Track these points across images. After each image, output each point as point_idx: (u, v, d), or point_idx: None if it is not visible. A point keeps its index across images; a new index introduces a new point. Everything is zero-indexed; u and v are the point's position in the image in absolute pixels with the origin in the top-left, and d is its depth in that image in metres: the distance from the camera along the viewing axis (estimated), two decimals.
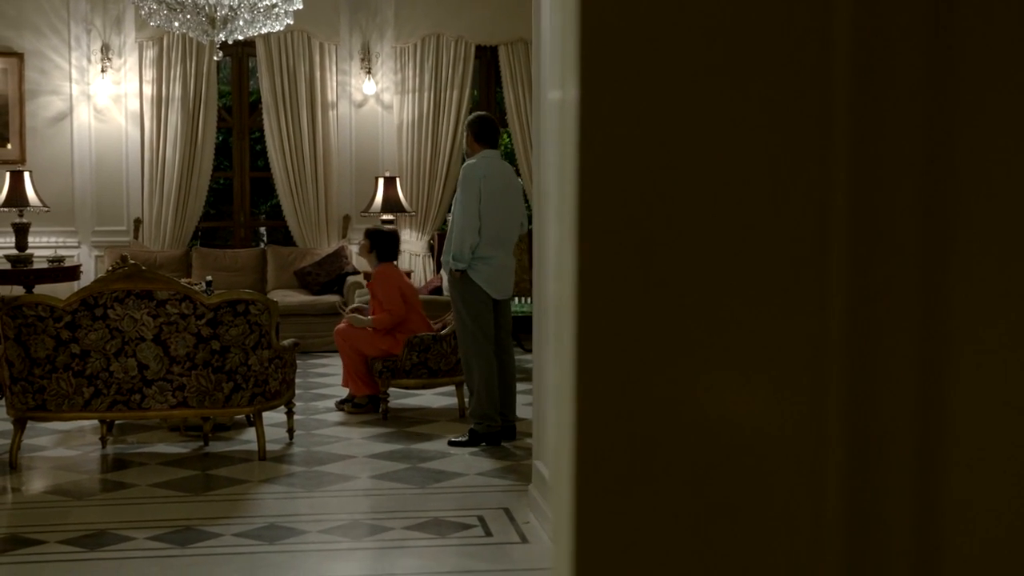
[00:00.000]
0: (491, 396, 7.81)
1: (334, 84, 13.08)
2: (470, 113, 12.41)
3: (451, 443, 7.91)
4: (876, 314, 0.59)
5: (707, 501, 0.61)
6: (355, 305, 9.34)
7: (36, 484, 7.08)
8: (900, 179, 0.59)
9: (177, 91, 12.63)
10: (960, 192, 0.59)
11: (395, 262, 9.26)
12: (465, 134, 8.01)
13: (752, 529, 0.61)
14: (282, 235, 13.73)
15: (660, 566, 0.61)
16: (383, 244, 9.15)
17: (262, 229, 16.34)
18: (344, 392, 9.33)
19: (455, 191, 8.01)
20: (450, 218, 8.20)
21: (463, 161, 8.08)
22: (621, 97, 0.58)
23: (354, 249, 12.87)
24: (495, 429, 7.84)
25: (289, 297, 11.93)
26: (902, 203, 0.59)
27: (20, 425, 7.26)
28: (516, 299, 10.80)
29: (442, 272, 10.52)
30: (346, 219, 13.21)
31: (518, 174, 11.13)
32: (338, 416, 8.90)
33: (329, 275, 12.49)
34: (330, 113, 13.06)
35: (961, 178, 0.59)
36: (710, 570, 0.61)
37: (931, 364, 0.60)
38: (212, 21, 9.27)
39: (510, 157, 13.39)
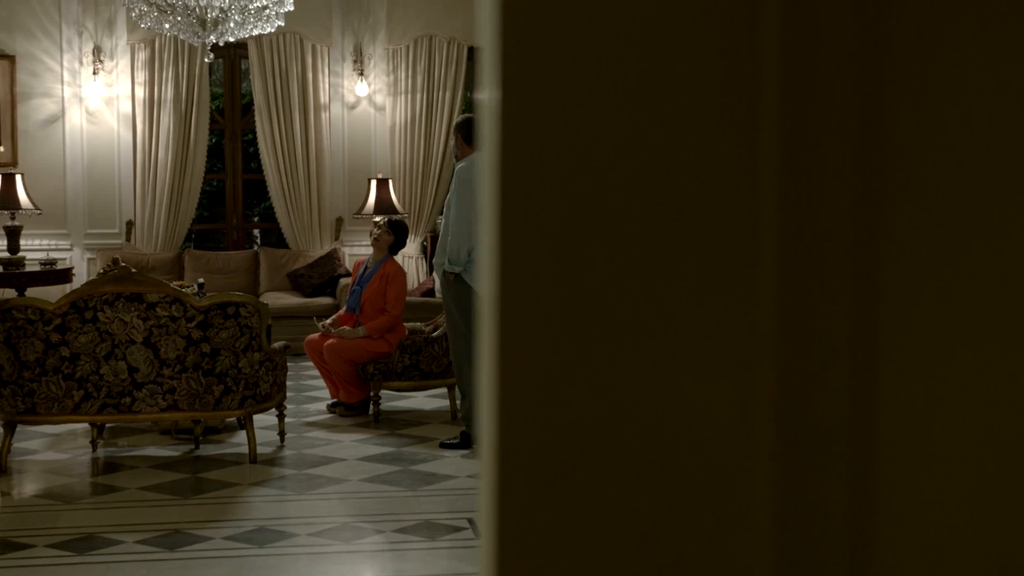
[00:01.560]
0: None
1: (326, 86, 13.07)
2: (462, 115, 12.41)
3: (443, 445, 7.90)
4: (807, 308, 0.58)
5: (635, 498, 0.59)
6: (330, 320, 9.27)
7: (25, 488, 7.06)
8: (831, 172, 0.57)
9: (169, 93, 12.61)
10: (892, 190, 0.58)
11: None
12: (454, 137, 7.99)
13: (682, 523, 0.59)
14: (276, 237, 13.72)
15: (587, 563, 0.60)
16: (401, 241, 9.18)
17: (256, 231, 16.33)
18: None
19: (447, 193, 7.99)
20: (441, 220, 8.18)
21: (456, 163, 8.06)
22: (541, 97, 0.57)
23: (348, 251, 12.86)
24: None
25: (282, 299, 11.91)
26: (833, 197, 0.58)
27: (10, 428, 7.24)
28: None
29: (434, 274, 10.51)
30: (339, 221, 13.19)
31: None
32: (329, 419, 8.88)
33: (322, 277, 12.47)
34: (323, 115, 13.04)
35: (893, 175, 0.58)
36: (639, 566, 0.60)
37: (863, 359, 0.58)
38: (203, 23, 9.25)
39: None
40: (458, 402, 8.37)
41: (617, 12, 0.56)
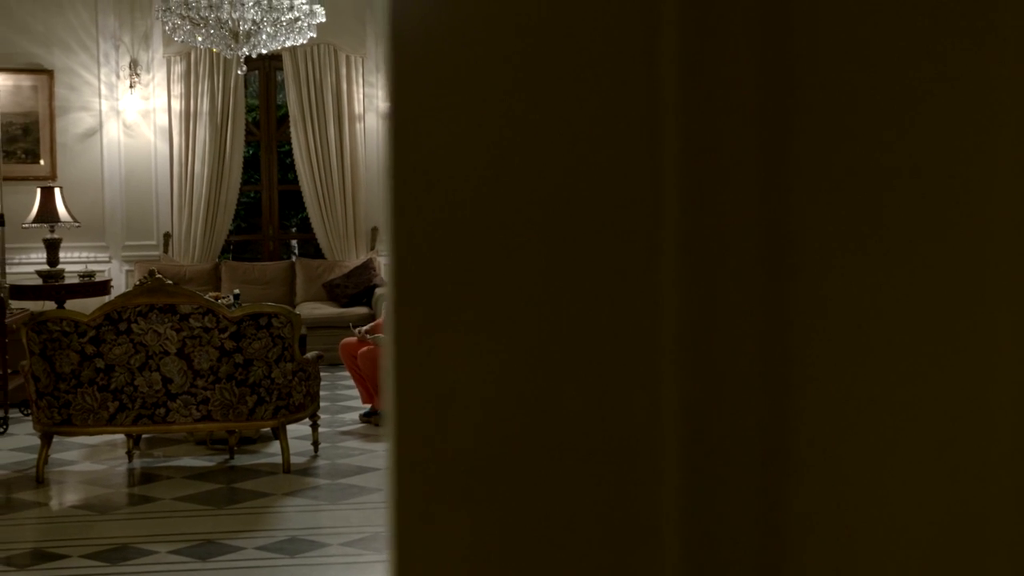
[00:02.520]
0: None
1: (361, 96, 13.11)
2: None
3: None
4: (714, 310, 0.56)
5: (537, 508, 0.58)
6: (367, 327, 9.31)
7: (62, 498, 7.12)
8: (736, 169, 0.56)
9: (205, 105, 12.70)
10: (799, 187, 0.56)
11: None
12: None
13: (586, 534, 0.58)
14: (313, 248, 13.78)
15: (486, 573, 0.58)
16: None
17: (293, 242, 16.41)
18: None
19: None
20: None
21: None
22: (432, 105, 0.56)
23: (383, 261, 12.88)
24: None
25: (318, 310, 11.95)
26: (738, 195, 0.56)
27: (46, 440, 7.30)
28: None
29: None
30: (374, 231, 13.23)
31: None
32: (363, 428, 8.90)
33: (357, 287, 12.50)
34: (357, 125, 13.08)
35: (800, 172, 0.56)
36: None
37: (774, 362, 0.57)
38: (235, 35, 9.31)
39: None
40: None
41: (508, 16, 0.55)
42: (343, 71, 12.97)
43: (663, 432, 0.56)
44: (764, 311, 0.56)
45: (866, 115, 0.55)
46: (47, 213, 11.57)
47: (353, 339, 9.11)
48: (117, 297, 7.47)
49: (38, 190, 11.63)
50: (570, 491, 0.57)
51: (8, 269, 11.87)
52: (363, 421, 9.09)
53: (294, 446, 7.72)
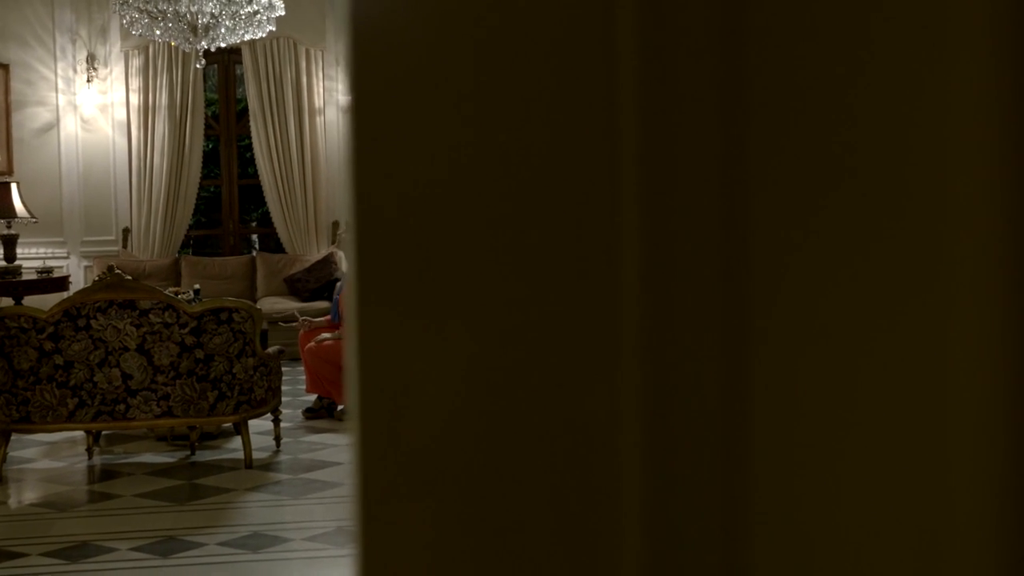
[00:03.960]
0: None
1: (321, 90, 13.07)
2: None
3: None
4: (672, 298, 0.57)
5: (499, 500, 0.58)
6: (307, 319, 9.29)
7: (20, 496, 7.06)
8: (694, 157, 0.56)
9: (164, 100, 12.61)
10: (756, 185, 0.57)
11: None
12: None
13: (548, 525, 0.58)
14: (274, 242, 13.72)
15: (450, 569, 0.59)
16: None
17: (254, 236, 16.32)
18: (310, 399, 9.26)
19: None
20: None
21: None
22: (392, 99, 0.56)
23: (343, 255, 12.84)
24: None
25: (279, 304, 11.90)
26: (698, 182, 0.57)
27: (4, 437, 7.23)
28: None
29: None
30: (335, 225, 13.19)
31: None
32: (326, 423, 8.87)
33: (319, 281, 12.47)
34: (317, 119, 13.04)
35: (756, 169, 0.57)
36: (504, 571, 0.59)
37: (733, 348, 0.57)
38: (194, 29, 9.25)
39: None
40: None
41: (465, 8, 0.56)
42: (303, 65, 12.91)
43: (623, 427, 0.56)
44: (722, 307, 0.56)
45: (819, 101, 0.56)
46: (3, 209, 11.45)
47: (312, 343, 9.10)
48: (76, 293, 7.41)
49: None
50: (531, 485, 0.58)
51: None
52: (308, 417, 9.03)
53: (256, 441, 7.68)
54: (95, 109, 12.56)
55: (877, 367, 0.57)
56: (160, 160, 12.63)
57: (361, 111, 0.55)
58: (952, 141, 0.55)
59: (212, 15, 9.24)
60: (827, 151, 0.56)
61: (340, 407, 9.03)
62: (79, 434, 7.95)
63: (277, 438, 7.94)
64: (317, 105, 13.03)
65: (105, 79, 12.57)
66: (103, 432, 8.04)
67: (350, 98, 0.55)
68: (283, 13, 9.93)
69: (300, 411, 9.17)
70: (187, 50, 10.29)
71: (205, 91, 13.11)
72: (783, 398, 0.57)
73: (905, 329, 0.56)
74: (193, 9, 9.18)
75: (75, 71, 12.48)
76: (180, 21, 9.24)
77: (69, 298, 7.29)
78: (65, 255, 12.60)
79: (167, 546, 5.82)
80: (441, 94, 0.56)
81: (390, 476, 0.57)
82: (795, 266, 0.56)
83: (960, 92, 0.55)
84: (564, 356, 0.56)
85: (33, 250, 12.22)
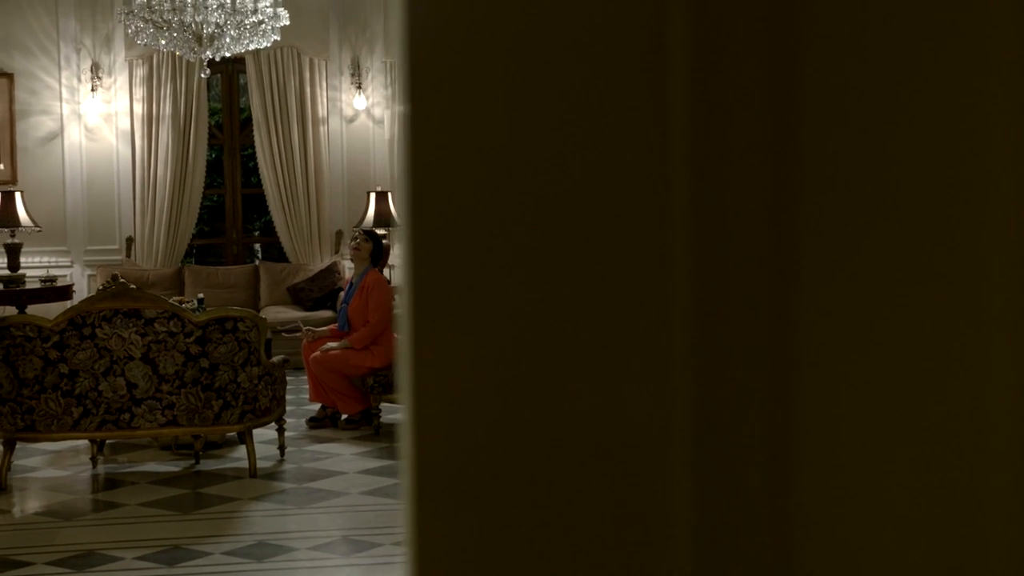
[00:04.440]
0: None
1: (324, 100, 13.08)
2: None
3: None
4: (723, 307, 0.58)
5: (551, 509, 0.59)
6: (310, 328, 9.31)
7: (25, 505, 7.06)
8: (744, 170, 0.57)
9: (167, 109, 12.62)
10: (807, 191, 0.58)
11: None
12: None
13: (599, 531, 0.59)
14: (277, 251, 13.73)
15: (504, 573, 0.60)
16: (380, 248, 9.17)
17: (257, 246, 16.34)
18: (314, 408, 9.26)
19: None
20: None
21: None
22: (449, 110, 0.57)
23: (348, 264, 12.85)
24: None
25: (282, 313, 11.90)
26: (747, 200, 0.57)
27: (9, 446, 7.24)
28: None
29: None
30: (338, 234, 13.19)
31: None
32: (330, 432, 8.87)
33: (322, 291, 12.47)
34: (321, 129, 13.05)
35: (808, 172, 0.58)
36: (557, 574, 0.59)
37: (782, 357, 0.58)
38: (199, 38, 9.27)
39: None
40: None
41: (519, 24, 0.56)
42: (306, 74, 12.93)
43: (673, 432, 0.57)
44: (771, 309, 0.57)
45: (871, 111, 0.57)
46: (8, 217, 11.46)
47: (307, 341, 9.10)
48: (81, 302, 7.41)
49: None
50: (582, 490, 0.58)
51: None
52: (311, 426, 9.02)
53: (260, 450, 7.68)
54: (99, 118, 12.57)
55: (921, 371, 0.57)
56: (164, 169, 12.64)
57: (416, 119, 0.56)
58: (998, 157, 0.56)
59: (217, 25, 9.27)
60: (878, 159, 0.56)
61: (344, 416, 9.03)
62: (83, 443, 7.95)
63: (281, 447, 7.94)
64: (321, 115, 13.04)
65: (109, 88, 12.59)
66: (107, 441, 8.03)
67: (406, 106, 0.56)
68: (288, 23, 9.96)
69: (303, 420, 9.16)
70: (192, 60, 10.31)
71: (209, 100, 13.12)
72: (828, 400, 0.57)
73: (950, 334, 0.57)
74: (198, 19, 9.20)
75: (79, 80, 12.49)
76: (185, 31, 9.26)
77: (74, 307, 7.30)
78: (69, 264, 12.60)
79: (172, 555, 5.82)
80: (495, 99, 0.56)
81: (444, 483, 0.58)
82: (842, 272, 0.57)
83: (1007, 107, 0.55)
84: (616, 367, 0.57)
85: (37, 259, 12.22)
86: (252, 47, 9.77)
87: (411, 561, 0.59)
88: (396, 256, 12.79)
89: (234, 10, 9.32)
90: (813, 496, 0.59)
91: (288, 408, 8.62)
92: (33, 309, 10.71)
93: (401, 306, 0.60)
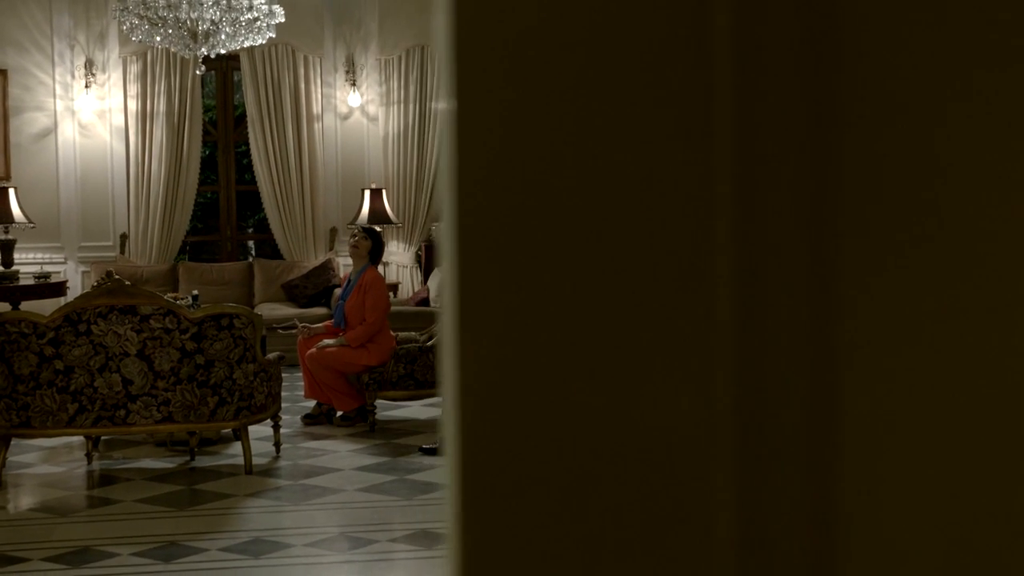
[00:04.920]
0: None
1: (319, 97, 13.08)
2: None
3: (422, 450, 7.93)
4: (765, 312, 0.58)
5: (596, 505, 0.60)
6: (306, 325, 9.31)
7: (20, 501, 7.05)
8: (785, 173, 0.58)
9: (162, 106, 12.61)
10: (848, 196, 0.59)
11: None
12: None
13: (643, 530, 0.60)
14: (270, 248, 13.72)
15: (549, 572, 0.60)
16: (379, 246, 9.18)
17: (250, 243, 16.32)
18: (309, 404, 9.26)
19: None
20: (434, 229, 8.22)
21: None
22: (496, 107, 0.58)
23: (342, 261, 12.84)
24: None
25: (277, 310, 11.89)
26: (787, 205, 0.58)
27: (4, 442, 7.23)
28: None
29: (429, 283, 10.52)
30: (333, 231, 13.19)
31: None
32: (325, 429, 8.87)
33: (316, 288, 12.46)
34: (315, 126, 13.05)
35: (849, 182, 0.59)
36: (601, 574, 0.60)
37: (823, 360, 0.59)
38: (194, 35, 9.26)
39: None
40: None
41: (567, 24, 0.57)
42: (301, 71, 12.92)
43: (715, 432, 0.58)
44: (811, 309, 0.58)
45: (913, 108, 0.58)
46: (1, 213, 11.44)
47: (302, 338, 9.10)
48: (77, 298, 7.40)
49: None
50: (627, 489, 0.59)
51: None
52: (306, 423, 9.02)
53: (255, 447, 7.68)
54: (93, 115, 12.55)
55: (961, 377, 0.58)
56: (158, 166, 12.63)
57: (464, 116, 0.57)
58: None
59: (212, 22, 9.26)
60: (916, 159, 0.57)
61: (339, 413, 9.04)
62: (77, 439, 7.95)
63: (277, 444, 7.94)
64: (315, 111, 13.03)
65: (103, 85, 12.57)
66: (102, 437, 8.03)
67: (452, 102, 0.57)
68: (283, 20, 9.95)
69: (298, 417, 9.16)
70: (187, 56, 10.30)
71: (203, 97, 13.11)
72: (868, 404, 0.58)
73: (990, 341, 0.58)
74: (193, 16, 9.19)
75: (73, 76, 12.47)
76: (180, 27, 9.25)
77: (70, 303, 7.29)
78: (62, 260, 12.58)
79: (168, 551, 5.82)
80: (542, 98, 0.57)
81: (489, 477, 0.58)
82: (881, 275, 0.58)
83: None
84: (660, 367, 0.58)
85: (30, 255, 12.21)
86: (247, 44, 9.76)
87: (455, 558, 0.60)
88: (390, 254, 12.81)
89: (229, 7, 9.31)
90: (854, 494, 0.59)
91: (283, 405, 8.61)
92: (27, 305, 10.70)
93: (445, 306, 0.61)
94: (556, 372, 0.60)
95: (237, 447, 7.82)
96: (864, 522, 0.60)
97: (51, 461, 7.92)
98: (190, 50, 9.48)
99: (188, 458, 7.83)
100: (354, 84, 13.12)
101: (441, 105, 0.58)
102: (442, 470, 0.63)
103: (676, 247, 0.58)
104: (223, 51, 9.71)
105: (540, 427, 0.60)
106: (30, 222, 11.63)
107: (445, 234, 0.61)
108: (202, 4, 9.19)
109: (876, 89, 0.58)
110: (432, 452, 7.90)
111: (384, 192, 12.80)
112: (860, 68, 0.57)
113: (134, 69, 12.57)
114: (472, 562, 0.60)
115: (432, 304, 10.62)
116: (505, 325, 0.59)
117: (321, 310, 11.95)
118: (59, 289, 11.52)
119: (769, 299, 0.58)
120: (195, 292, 9.77)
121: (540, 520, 0.60)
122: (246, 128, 13.04)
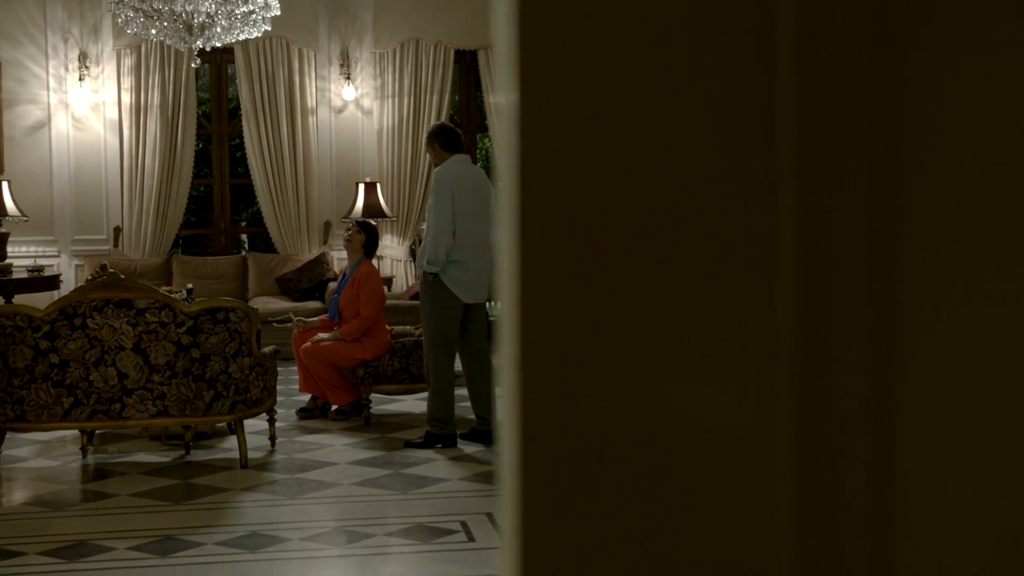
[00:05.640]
0: (445, 399, 7.88)
1: (313, 90, 13.06)
2: (449, 118, 12.42)
3: (407, 444, 7.96)
4: (825, 313, 0.58)
5: (656, 506, 0.60)
6: (301, 319, 9.31)
7: (16, 495, 7.04)
8: (847, 176, 0.58)
9: (156, 99, 12.59)
10: (908, 192, 0.59)
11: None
12: (430, 145, 8.03)
13: (703, 531, 0.60)
14: (264, 242, 13.71)
15: (608, 570, 0.61)
16: (374, 240, 9.18)
17: (244, 236, 16.29)
18: (304, 398, 9.26)
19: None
20: (424, 225, 8.25)
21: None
22: (559, 101, 0.58)
23: (336, 255, 12.83)
24: (449, 431, 7.91)
25: (271, 304, 11.88)
26: (849, 200, 0.58)
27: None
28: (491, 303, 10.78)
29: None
30: (327, 225, 13.18)
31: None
32: (320, 423, 8.87)
33: (311, 281, 12.46)
34: (310, 119, 13.03)
35: (908, 177, 0.58)
36: (660, 573, 0.60)
37: (883, 363, 0.59)
38: (189, 28, 9.24)
39: (489, 161, 13.37)
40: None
41: (634, 19, 0.57)
42: (295, 64, 12.91)
43: (777, 431, 0.58)
44: (871, 315, 0.58)
45: (974, 126, 0.58)
46: None
47: (297, 331, 9.10)
48: (72, 292, 7.38)
49: None
50: (687, 485, 0.59)
51: None
52: (301, 417, 9.03)
53: (250, 441, 7.68)
54: (87, 108, 12.52)
55: (1021, 376, 0.58)
56: (152, 159, 12.61)
57: (528, 114, 0.57)
58: None
59: (208, 14, 9.24)
60: (978, 154, 0.57)
61: (334, 407, 9.04)
62: (72, 433, 7.94)
63: (272, 438, 7.93)
64: (309, 105, 13.02)
65: (97, 78, 12.54)
66: (96, 431, 8.01)
67: (516, 99, 0.57)
68: (278, 13, 9.93)
69: (293, 411, 9.16)
70: (182, 49, 10.28)
71: (197, 90, 13.09)
72: (929, 410, 0.58)
73: None
74: (189, 8, 9.17)
75: (67, 69, 12.44)
76: (176, 20, 9.23)
77: (65, 297, 7.27)
78: (56, 254, 12.56)
79: (165, 545, 5.81)
80: (608, 99, 0.57)
81: (550, 475, 0.58)
82: (943, 275, 0.58)
83: None
84: (722, 365, 0.58)
85: (23, 249, 12.18)
86: (243, 37, 9.74)
87: (515, 552, 0.60)
88: (384, 247, 12.80)
89: (224, 0, 9.29)
90: (913, 486, 0.59)
91: (278, 399, 8.60)
92: (20, 299, 10.67)
93: (505, 304, 0.60)
94: (621, 370, 0.60)
95: (232, 441, 7.81)
96: (923, 513, 0.60)
97: (46, 455, 7.91)
98: (185, 43, 9.46)
99: (183, 452, 7.82)
100: (349, 77, 13.10)
101: (501, 99, 0.58)
102: (498, 464, 0.63)
103: (739, 245, 0.58)
104: (218, 44, 9.69)
105: (605, 424, 0.60)
106: (23, 215, 11.60)
107: (504, 230, 0.60)
108: None
109: (939, 79, 0.58)
110: (417, 446, 7.91)
111: (378, 186, 12.79)
112: (922, 57, 0.57)
113: (128, 62, 12.55)
114: (534, 555, 0.60)
115: None
116: (567, 323, 0.59)
117: (315, 304, 11.95)
118: (52, 283, 11.50)
119: (831, 296, 0.58)
120: (189, 286, 9.76)
121: (603, 514, 0.60)
122: (240, 121, 13.02)
